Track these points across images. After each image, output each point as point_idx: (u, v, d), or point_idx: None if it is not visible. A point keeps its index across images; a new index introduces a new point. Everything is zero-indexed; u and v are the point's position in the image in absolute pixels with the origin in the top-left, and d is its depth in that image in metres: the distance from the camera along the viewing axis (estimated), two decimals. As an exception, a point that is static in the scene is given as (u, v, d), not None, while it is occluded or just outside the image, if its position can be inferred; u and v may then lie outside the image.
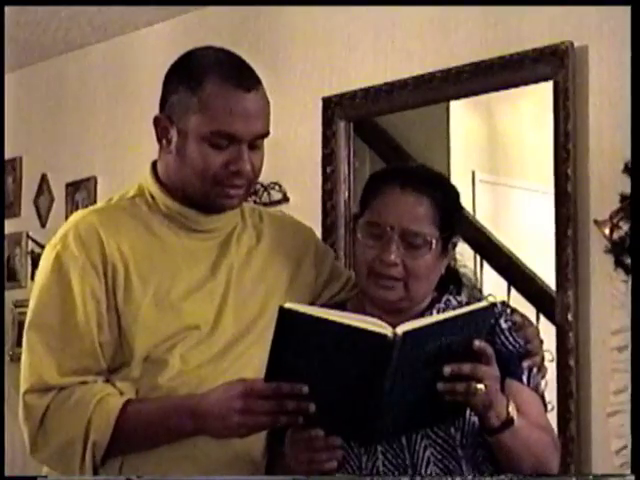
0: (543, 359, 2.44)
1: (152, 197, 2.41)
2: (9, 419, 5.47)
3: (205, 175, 2.30)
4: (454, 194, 2.45)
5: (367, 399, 2.07)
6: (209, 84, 2.29)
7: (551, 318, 3.81)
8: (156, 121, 2.37)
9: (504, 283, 4.63)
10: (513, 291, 4.55)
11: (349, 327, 2.03)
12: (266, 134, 2.36)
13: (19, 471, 5.39)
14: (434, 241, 2.33)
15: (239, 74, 2.33)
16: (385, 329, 2.03)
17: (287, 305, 2.04)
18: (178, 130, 2.32)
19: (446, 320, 2.11)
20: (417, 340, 2.05)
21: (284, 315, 2.03)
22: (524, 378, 2.37)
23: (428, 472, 2.26)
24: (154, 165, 2.44)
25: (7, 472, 4.46)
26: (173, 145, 2.34)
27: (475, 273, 4.50)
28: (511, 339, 2.36)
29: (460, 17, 4.11)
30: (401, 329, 2.02)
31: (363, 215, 2.38)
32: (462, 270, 2.57)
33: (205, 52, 2.41)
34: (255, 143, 2.34)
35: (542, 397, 2.42)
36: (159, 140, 2.38)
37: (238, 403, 2.12)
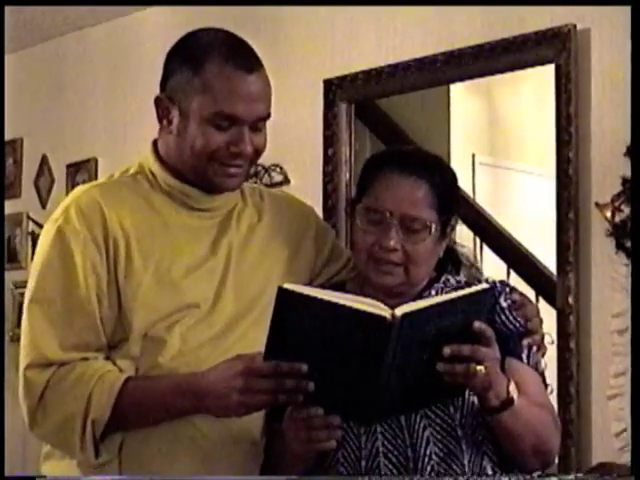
0: (543, 338, 2.43)
1: (153, 175, 2.40)
2: (11, 400, 5.47)
3: (205, 154, 2.30)
4: (452, 176, 2.43)
5: (366, 379, 2.07)
6: (211, 65, 2.28)
7: (550, 301, 3.81)
8: (157, 101, 2.36)
9: (504, 266, 4.63)
10: (513, 274, 4.55)
11: (348, 309, 2.03)
12: (267, 116, 2.35)
13: (19, 456, 5.40)
14: (433, 225, 2.31)
15: (241, 56, 2.32)
16: (384, 311, 2.02)
17: (286, 285, 2.04)
18: (180, 110, 2.31)
19: (445, 302, 2.11)
20: (416, 322, 2.04)
21: (283, 295, 2.02)
22: (524, 356, 2.36)
23: (427, 452, 2.26)
24: (155, 143, 2.43)
25: (7, 470, 4.44)
26: (174, 125, 2.33)
27: (475, 256, 4.50)
28: (511, 318, 2.35)
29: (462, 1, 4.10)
30: (400, 311, 2.02)
31: (361, 200, 2.36)
32: (460, 249, 2.57)
33: (207, 33, 2.40)
34: (257, 125, 2.33)
35: (542, 375, 2.41)
36: (160, 120, 2.37)
37: (238, 382, 2.11)
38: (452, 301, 2.11)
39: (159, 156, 2.41)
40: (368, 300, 2.07)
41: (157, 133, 2.46)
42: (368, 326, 2.02)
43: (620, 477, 2.72)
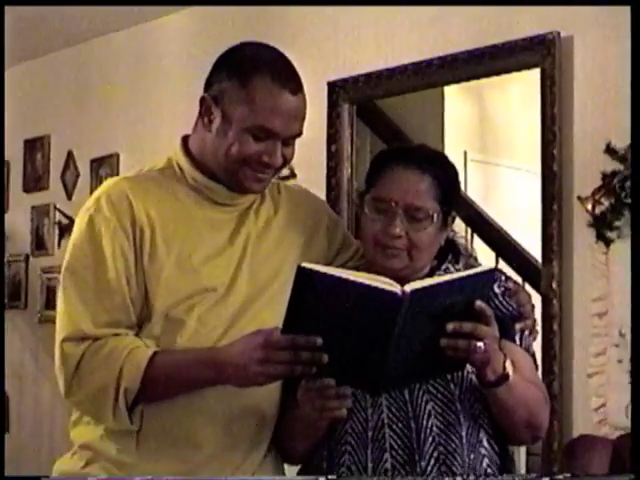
0: (534, 322, 2.43)
1: (180, 169, 2.40)
2: (39, 377, 5.47)
3: (239, 159, 2.30)
4: (453, 171, 2.43)
5: (375, 352, 2.07)
6: (259, 81, 2.27)
7: (536, 287, 3.80)
8: (202, 100, 2.35)
9: (492, 254, 4.63)
10: (501, 262, 4.54)
11: (362, 285, 2.02)
12: (300, 134, 2.34)
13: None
14: (435, 215, 2.32)
15: (287, 77, 2.30)
16: (395, 287, 2.02)
17: (304, 264, 2.03)
18: (222, 114, 2.30)
19: (451, 281, 2.12)
20: (424, 298, 2.04)
21: (302, 273, 2.02)
22: (517, 339, 2.36)
23: (429, 424, 2.26)
24: (184, 140, 2.42)
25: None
26: (214, 125, 2.32)
27: (466, 244, 4.50)
28: (505, 303, 2.36)
29: (455, 8, 4.09)
30: (409, 287, 2.02)
31: (369, 192, 2.36)
32: (459, 241, 2.56)
33: (258, 49, 2.39)
34: (289, 140, 2.33)
35: (533, 356, 2.41)
36: (201, 117, 2.36)
37: (258, 353, 2.10)
38: (457, 280, 2.12)
39: (188, 152, 2.40)
40: (380, 277, 2.07)
41: (175, 131, 2.46)
42: (380, 301, 2.02)
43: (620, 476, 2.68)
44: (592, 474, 3.12)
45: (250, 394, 2.24)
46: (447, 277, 2.18)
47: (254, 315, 2.32)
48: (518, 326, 2.36)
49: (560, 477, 2.29)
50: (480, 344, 2.10)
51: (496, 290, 2.34)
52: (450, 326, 2.08)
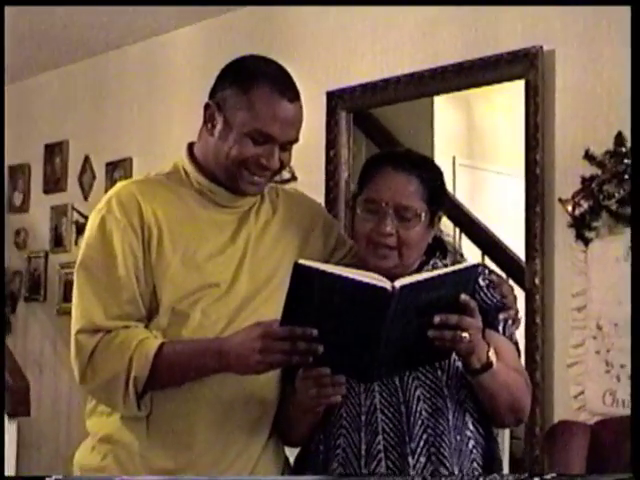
0: (517, 312, 2.42)
1: (186, 174, 2.39)
2: (57, 365, 5.47)
3: (238, 161, 2.29)
4: (439, 174, 2.42)
5: (368, 343, 2.07)
6: (259, 89, 2.27)
7: (519, 283, 3.79)
8: (206, 107, 2.34)
9: (479, 252, 4.62)
10: (487, 260, 4.53)
11: (354, 280, 2.02)
12: (296, 140, 2.33)
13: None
14: (423, 214, 2.31)
15: (285, 86, 2.30)
16: (385, 283, 2.02)
17: (301, 261, 2.03)
18: (224, 119, 2.30)
19: (437, 276, 2.11)
20: (412, 293, 2.04)
21: (298, 269, 2.01)
22: (500, 328, 2.35)
23: (418, 409, 2.25)
24: (189, 147, 2.42)
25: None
26: (217, 130, 2.31)
27: (454, 243, 4.49)
28: (489, 295, 2.34)
29: (444, 23, 4.10)
30: (399, 283, 2.02)
31: (361, 194, 2.35)
32: (446, 239, 2.56)
33: (258, 60, 2.39)
34: (286, 145, 2.32)
35: (516, 345, 2.40)
36: (205, 122, 2.35)
37: (258, 344, 2.10)
38: (443, 276, 2.11)
39: (193, 158, 2.39)
40: (371, 274, 2.07)
41: (183, 137, 2.45)
42: (371, 296, 2.01)
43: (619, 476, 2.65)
44: (590, 473, 3.08)
45: (251, 382, 2.24)
46: (434, 273, 2.17)
47: (254, 309, 2.31)
48: (502, 316, 2.35)
49: (548, 477, 2.29)
50: (465, 334, 2.10)
51: (481, 283, 2.33)
52: (437, 318, 2.08)
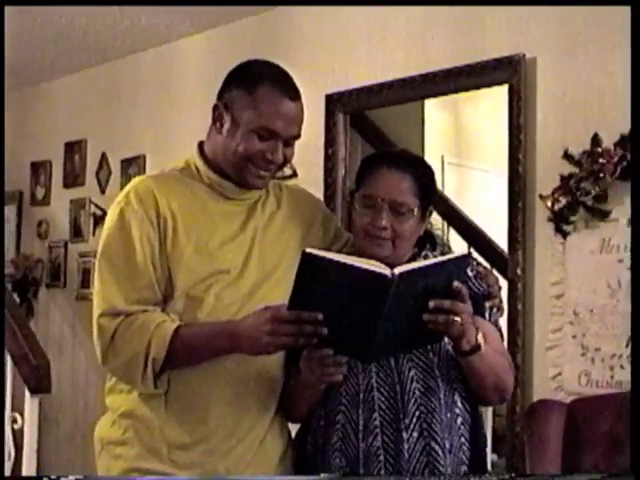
0: (501, 301, 2.42)
1: (197, 169, 2.40)
2: (76, 346, 5.47)
3: (245, 156, 2.29)
4: (430, 172, 2.42)
5: (367, 326, 2.07)
6: (263, 89, 2.27)
7: (503, 273, 3.78)
8: (215, 107, 2.35)
9: (465, 245, 4.62)
10: (473, 252, 4.52)
11: (358, 267, 2.02)
12: (298, 136, 2.33)
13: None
14: (415, 209, 2.31)
15: (287, 86, 2.30)
16: (385, 270, 2.02)
17: (309, 250, 2.03)
18: (232, 118, 2.30)
19: (433, 264, 2.12)
20: (410, 279, 2.04)
21: (306, 257, 2.01)
22: (486, 315, 2.36)
23: (412, 388, 2.26)
24: (200, 145, 2.42)
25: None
26: (225, 128, 2.32)
27: (443, 236, 4.49)
28: (476, 284, 2.35)
29: (434, 33, 4.08)
30: (398, 270, 2.02)
31: (359, 190, 2.36)
32: (436, 232, 2.56)
33: (262, 63, 2.39)
34: (289, 141, 2.32)
35: (500, 330, 2.42)
36: (214, 122, 2.36)
37: (267, 326, 2.10)
38: (438, 264, 2.13)
39: (204, 155, 2.40)
40: (372, 261, 2.07)
41: (192, 137, 2.46)
42: (372, 282, 2.01)
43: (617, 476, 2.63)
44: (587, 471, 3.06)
45: (261, 361, 2.24)
46: (430, 261, 2.18)
47: (264, 294, 2.31)
48: (488, 304, 2.36)
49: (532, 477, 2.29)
50: (457, 318, 2.11)
51: (469, 273, 2.34)
52: (432, 303, 2.09)
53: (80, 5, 4.65)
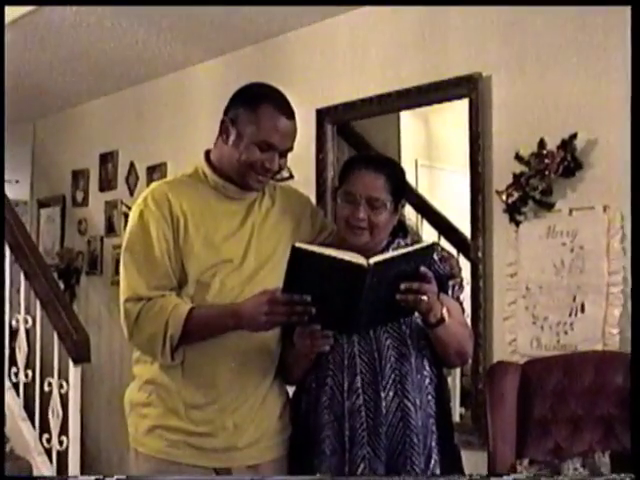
0: (462, 280, 2.43)
1: (204, 174, 2.40)
2: (112, 324, 5.47)
3: (247, 164, 2.30)
4: (401, 172, 2.43)
5: (349, 305, 2.08)
6: (264, 108, 2.28)
7: (466, 256, 3.79)
8: (222, 122, 2.35)
9: (435, 233, 4.60)
10: (442, 239, 4.51)
11: (338, 259, 2.04)
12: (292, 149, 2.34)
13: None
14: (388, 203, 2.31)
15: (284, 106, 2.31)
16: (362, 260, 2.03)
17: (297, 244, 2.05)
18: (237, 131, 2.30)
19: (402, 254, 2.13)
20: (383, 267, 2.05)
21: (295, 251, 2.03)
22: (450, 292, 2.36)
23: (388, 355, 2.27)
24: (207, 153, 2.42)
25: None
26: (230, 140, 2.32)
27: (417, 226, 4.49)
28: (441, 266, 2.36)
29: (406, 55, 4.07)
30: (373, 260, 2.03)
31: (341, 187, 2.37)
32: (407, 222, 2.56)
33: (263, 86, 2.39)
34: (284, 153, 2.33)
35: (462, 305, 2.42)
36: (220, 134, 2.35)
37: (265, 307, 2.11)
38: (407, 254, 2.13)
39: (210, 162, 2.39)
40: (351, 253, 2.08)
41: (205, 147, 2.45)
42: (351, 270, 2.03)
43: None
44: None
45: (261, 337, 2.25)
46: (400, 251, 2.18)
47: (261, 279, 2.31)
48: (451, 282, 2.36)
49: (522, 477, 2.26)
50: (424, 297, 2.12)
51: (435, 257, 2.34)
52: (402, 285, 2.10)
53: (82, 5, 4.09)
